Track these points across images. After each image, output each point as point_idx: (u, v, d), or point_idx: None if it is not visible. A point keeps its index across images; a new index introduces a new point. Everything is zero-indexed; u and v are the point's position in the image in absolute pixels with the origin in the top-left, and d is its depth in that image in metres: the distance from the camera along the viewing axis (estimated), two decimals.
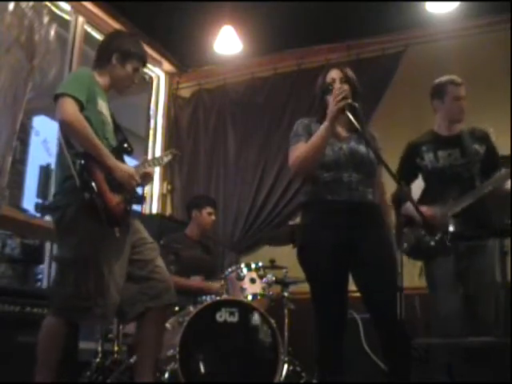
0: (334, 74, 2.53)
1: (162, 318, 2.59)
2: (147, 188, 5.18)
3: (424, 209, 2.70)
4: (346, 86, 2.43)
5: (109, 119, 2.54)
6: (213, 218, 4.09)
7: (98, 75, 2.55)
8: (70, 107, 2.28)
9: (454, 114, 3.03)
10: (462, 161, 2.95)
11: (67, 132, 2.35)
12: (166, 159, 2.83)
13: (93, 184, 2.27)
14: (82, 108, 2.32)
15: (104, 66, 2.57)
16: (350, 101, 2.34)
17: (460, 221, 2.75)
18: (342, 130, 2.53)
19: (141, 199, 2.63)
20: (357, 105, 2.38)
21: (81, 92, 2.34)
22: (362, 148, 2.47)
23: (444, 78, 3.07)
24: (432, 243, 2.81)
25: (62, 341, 2.34)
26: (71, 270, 2.34)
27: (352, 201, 2.41)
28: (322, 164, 2.44)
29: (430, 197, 2.91)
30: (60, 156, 2.43)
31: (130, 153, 2.59)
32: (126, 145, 2.58)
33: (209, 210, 4.07)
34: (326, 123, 2.36)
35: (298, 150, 2.47)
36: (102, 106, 2.48)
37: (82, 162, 2.28)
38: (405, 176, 2.99)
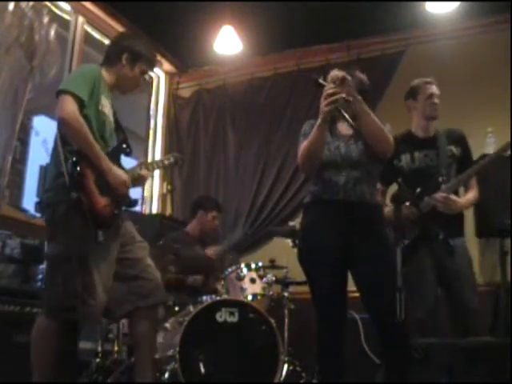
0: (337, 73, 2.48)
1: (151, 317, 2.55)
2: (147, 188, 5.18)
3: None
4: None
5: (110, 118, 2.53)
6: (216, 222, 4.11)
7: (106, 72, 2.54)
8: (68, 106, 2.27)
9: (427, 111, 3.06)
10: (438, 162, 2.99)
11: (64, 130, 2.34)
12: (166, 162, 2.81)
13: (81, 184, 2.27)
14: (82, 106, 2.31)
15: (113, 64, 2.56)
16: (344, 97, 2.31)
17: (429, 220, 2.78)
18: (342, 127, 2.51)
19: (132, 203, 2.61)
20: (351, 99, 2.35)
21: (83, 89, 2.32)
22: (362, 144, 2.45)
23: (417, 80, 3.14)
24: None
25: (54, 340, 2.33)
26: (60, 268, 2.33)
27: (347, 200, 2.41)
28: (321, 164, 2.45)
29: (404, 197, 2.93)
30: (54, 152, 2.42)
31: (128, 154, 2.58)
32: (124, 145, 2.57)
33: (215, 214, 4.08)
34: (318, 122, 2.36)
35: (301, 149, 2.47)
36: (105, 105, 2.46)
37: (74, 159, 2.27)
38: (384, 177, 2.99)
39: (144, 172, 2.62)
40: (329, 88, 2.31)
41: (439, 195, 2.85)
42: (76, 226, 2.30)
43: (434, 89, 3.08)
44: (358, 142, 2.46)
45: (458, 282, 2.89)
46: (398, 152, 3.04)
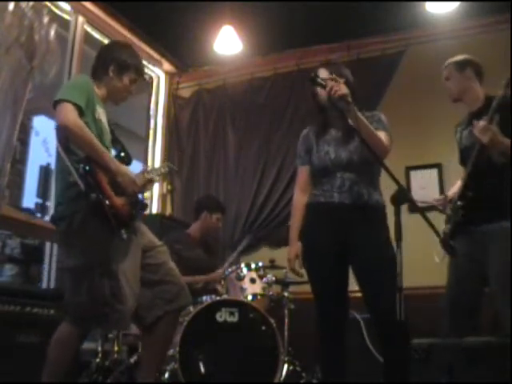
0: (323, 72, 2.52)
1: (175, 319, 2.57)
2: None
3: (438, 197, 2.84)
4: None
5: (107, 128, 2.52)
6: (220, 224, 4.11)
7: (96, 86, 2.52)
8: (69, 113, 2.26)
9: (449, 95, 2.92)
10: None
11: (69, 138, 2.32)
12: (163, 170, 2.80)
13: (98, 187, 2.26)
14: (81, 114, 2.30)
15: (101, 78, 2.55)
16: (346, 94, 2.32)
17: (468, 205, 2.67)
18: (331, 130, 2.53)
19: (144, 206, 2.62)
20: (350, 99, 2.34)
21: (80, 97, 2.32)
22: (352, 145, 2.45)
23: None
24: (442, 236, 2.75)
25: (74, 348, 2.34)
26: (84, 277, 2.31)
27: (342, 203, 2.42)
28: (314, 170, 2.51)
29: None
30: (59, 164, 2.40)
31: (127, 163, 2.56)
32: (123, 154, 2.57)
33: (219, 215, 4.07)
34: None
35: (299, 178, 2.63)
36: (101, 113, 2.46)
37: (86, 167, 2.26)
38: (462, 160, 2.83)
39: (151, 176, 2.60)
40: (332, 80, 2.30)
41: (479, 125, 2.55)
42: (95, 232, 2.28)
43: (444, 74, 2.90)
44: (348, 144, 2.46)
45: (490, 281, 2.63)
46: (456, 134, 2.91)
